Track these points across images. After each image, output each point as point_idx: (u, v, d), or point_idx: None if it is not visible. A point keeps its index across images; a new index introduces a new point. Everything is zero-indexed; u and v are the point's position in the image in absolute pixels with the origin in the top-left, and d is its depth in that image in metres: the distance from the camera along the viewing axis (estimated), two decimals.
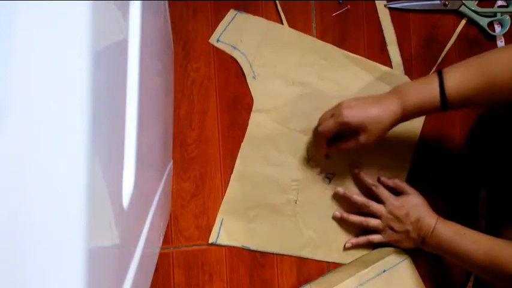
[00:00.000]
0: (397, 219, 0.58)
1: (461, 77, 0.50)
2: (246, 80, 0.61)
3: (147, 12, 0.28)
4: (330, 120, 0.54)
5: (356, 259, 0.63)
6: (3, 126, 0.14)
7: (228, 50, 0.61)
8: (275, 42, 0.61)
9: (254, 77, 0.61)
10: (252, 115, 0.61)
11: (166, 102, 0.50)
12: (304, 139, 0.62)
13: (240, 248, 0.61)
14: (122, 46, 0.22)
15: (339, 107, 0.53)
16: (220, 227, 0.60)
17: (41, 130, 0.15)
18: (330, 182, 0.63)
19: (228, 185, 0.61)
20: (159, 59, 0.39)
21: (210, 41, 0.60)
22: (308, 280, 0.62)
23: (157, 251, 0.53)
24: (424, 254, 0.60)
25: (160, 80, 0.41)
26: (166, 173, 0.50)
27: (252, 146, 0.61)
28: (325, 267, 0.63)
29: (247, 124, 0.62)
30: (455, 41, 0.67)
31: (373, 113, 0.51)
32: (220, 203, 0.61)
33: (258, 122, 0.61)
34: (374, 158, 0.63)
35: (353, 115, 0.52)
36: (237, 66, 0.61)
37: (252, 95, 0.61)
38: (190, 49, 0.61)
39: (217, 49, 0.61)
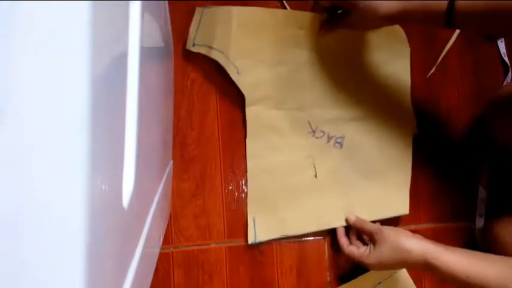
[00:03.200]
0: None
1: None
2: (231, 77, 0.58)
3: (147, 12, 0.28)
4: None
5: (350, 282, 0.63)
6: (3, 126, 0.14)
7: (205, 51, 0.58)
8: (248, 28, 0.58)
9: (238, 72, 0.58)
10: (247, 110, 0.60)
11: (166, 102, 0.50)
12: (302, 115, 0.61)
13: (240, 247, 0.61)
14: (121, 46, 0.22)
15: None
16: (254, 226, 0.60)
17: (40, 130, 0.15)
18: (341, 146, 0.62)
19: (230, 177, 0.61)
20: (159, 59, 0.39)
21: (186, 47, 0.58)
22: (308, 280, 0.62)
23: (157, 251, 0.53)
24: None
25: (160, 80, 0.41)
26: (166, 173, 0.50)
27: (255, 140, 0.60)
28: (326, 268, 0.63)
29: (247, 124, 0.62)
30: (455, 41, 0.67)
31: None
32: (221, 203, 0.61)
33: (254, 115, 0.60)
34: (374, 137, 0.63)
35: None
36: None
37: (242, 90, 0.59)
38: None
39: None
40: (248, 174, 0.60)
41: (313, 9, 0.59)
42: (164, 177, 0.47)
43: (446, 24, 0.47)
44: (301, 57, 0.61)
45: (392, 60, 0.64)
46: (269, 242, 0.62)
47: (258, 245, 0.62)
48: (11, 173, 0.15)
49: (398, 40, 0.64)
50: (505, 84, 0.68)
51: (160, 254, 0.59)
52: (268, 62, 0.60)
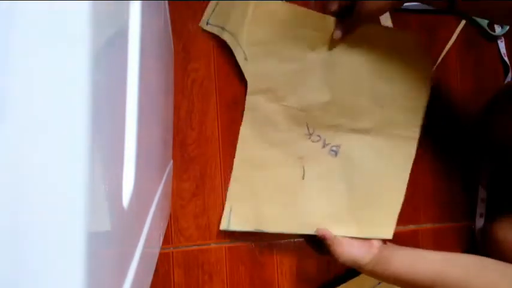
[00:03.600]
0: None
1: None
2: (238, 62, 0.58)
3: (147, 12, 0.28)
4: None
5: (349, 282, 0.63)
6: (2, 125, 0.14)
7: (217, 31, 0.58)
8: (264, 18, 0.56)
9: (246, 58, 0.57)
10: (248, 98, 0.58)
11: (166, 102, 0.50)
12: (302, 115, 0.60)
13: (240, 247, 0.61)
14: (122, 46, 0.22)
15: None
16: (230, 213, 0.59)
17: (40, 130, 0.15)
18: (336, 155, 0.60)
19: (230, 177, 0.61)
20: (159, 59, 0.39)
21: (200, 24, 0.60)
22: (308, 280, 0.62)
23: (157, 251, 0.53)
24: None
25: (160, 80, 0.41)
26: (166, 173, 0.50)
27: (250, 129, 0.59)
28: (326, 268, 0.63)
29: None
30: (455, 41, 0.67)
31: None
32: (221, 203, 0.61)
33: (254, 104, 0.59)
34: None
35: None
36: (238, 66, 0.61)
37: (245, 77, 0.58)
38: (190, 49, 0.61)
39: (218, 49, 0.61)
40: (235, 161, 0.59)
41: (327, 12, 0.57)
42: (164, 177, 0.47)
43: (449, 8, 0.47)
44: (313, 59, 0.59)
45: (414, 80, 0.60)
46: (269, 242, 0.62)
47: (258, 245, 0.62)
48: (10, 173, 0.15)
49: (419, 59, 0.60)
50: (505, 83, 0.68)
51: (160, 254, 0.59)
52: (277, 55, 0.58)
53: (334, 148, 0.60)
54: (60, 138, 0.15)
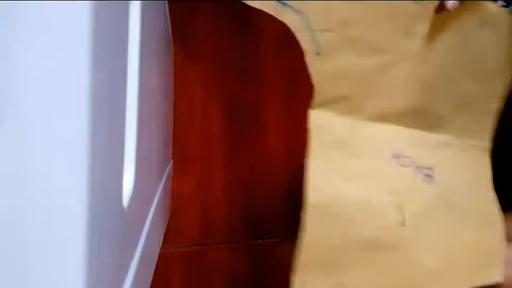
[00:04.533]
0: None
1: None
2: (305, 55, 0.41)
3: (147, 12, 0.28)
4: None
5: None
6: (2, 126, 0.14)
7: (273, 7, 0.39)
8: None
9: (318, 53, 0.41)
10: (312, 114, 0.41)
11: (166, 102, 0.50)
12: (385, 129, 0.44)
13: (240, 247, 0.61)
14: (122, 46, 0.22)
15: None
16: None
17: (40, 130, 0.15)
18: (432, 180, 0.44)
19: (229, 175, 0.61)
20: (159, 59, 0.39)
21: None
22: None
23: (157, 251, 0.53)
24: None
25: (160, 80, 0.41)
26: (166, 173, 0.50)
27: (322, 159, 0.41)
28: None
29: (247, 124, 0.62)
30: None
31: None
32: (221, 203, 0.61)
33: (320, 122, 0.41)
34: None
35: None
36: (237, 66, 0.61)
37: (314, 81, 0.41)
38: (190, 49, 0.61)
39: (217, 49, 0.61)
40: (308, 212, 0.40)
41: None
42: (164, 177, 0.47)
43: None
44: (406, 49, 0.43)
45: (495, 78, 0.46)
46: (269, 242, 0.62)
47: (258, 245, 0.62)
48: (10, 173, 0.15)
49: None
50: None
51: (160, 254, 0.59)
52: (361, 44, 0.42)
53: (427, 172, 0.44)
54: (60, 139, 0.15)
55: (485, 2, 0.44)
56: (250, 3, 0.39)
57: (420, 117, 0.45)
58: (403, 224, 0.42)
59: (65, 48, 0.15)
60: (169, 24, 0.53)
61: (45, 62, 0.15)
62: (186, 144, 0.61)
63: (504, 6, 0.65)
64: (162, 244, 0.58)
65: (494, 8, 0.45)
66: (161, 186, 0.44)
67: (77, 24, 0.15)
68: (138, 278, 0.28)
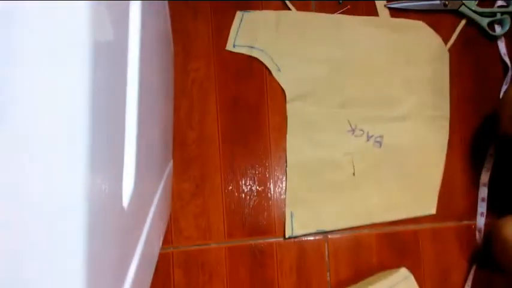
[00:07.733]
0: None
1: None
2: (272, 73, 0.62)
3: (147, 12, 0.28)
4: None
5: (360, 283, 0.62)
6: (3, 126, 0.14)
7: (246, 51, 0.62)
8: (289, 29, 0.62)
9: (279, 70, 0.62)
10: (288, 106, 0.62)
11: (166, 102, 0.49)
12: (341, 113, 0.63)
13: (240, 247, 0.61)
14: (122, 46, 0.22)
15: None
16: (292, 220, 0.62)
17: (40, 130, 0.15)
18: (380, 145, 0.64)
19: (229, 176, 0.61)
20: (159, 59, 0.39)
21: (227, 48, 0.62)
22: (308, 280, 0.62)
23: (157, 251, 0.53)
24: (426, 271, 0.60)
25: (160, 80, 0.41)
26: (166, 173, 0.50)
27: (296, 135, 0.63)
28: (326, 268, 0.63)
29: (247, 124, 0.62)
30: (455, 41, 0.67)
31: None
32: (221, 203, 0.61)
33: (294, 110, 0.62)
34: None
35: None
36: (237, 66, 0.62)
37: (282, 86, 0.62)
38: (190, 49, 0.61)
39: (217, 49, 0.61)
40: (287, 168, 0.62)
41: None
42: (164, 177, 0.47)
43: None
44: (341, 55, 0.63)
45: (433, 63, 0.65)
46: (269, 242, 0.62)
47: (258, 245, 0.62)
48: (10, 173, 0.15)
49: (436, 45, 0.66)
50: (504, 83, 0.68)
51: (160, 254, 0.59)
52: (308, 60, 0.63)
53: (378, 139, 0.64)
54: (61, 139, 0.15)
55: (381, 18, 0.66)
56: (233, 49, 0.62)
57: (375, 100, 0.64)
58: (354, 174, 0.63)
59: (65, 48, 0.15)
60: (169, 24, 0.53)
61: (46, 62, 0.15)
62: (186, 144, 0.61)
63: (504, 6, 0.65)
64: (162, 244, 0.58)
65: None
66: (161, 186, 0.44)
67: (77, 24, 0.15)
68: (138, 278, 0.28)
